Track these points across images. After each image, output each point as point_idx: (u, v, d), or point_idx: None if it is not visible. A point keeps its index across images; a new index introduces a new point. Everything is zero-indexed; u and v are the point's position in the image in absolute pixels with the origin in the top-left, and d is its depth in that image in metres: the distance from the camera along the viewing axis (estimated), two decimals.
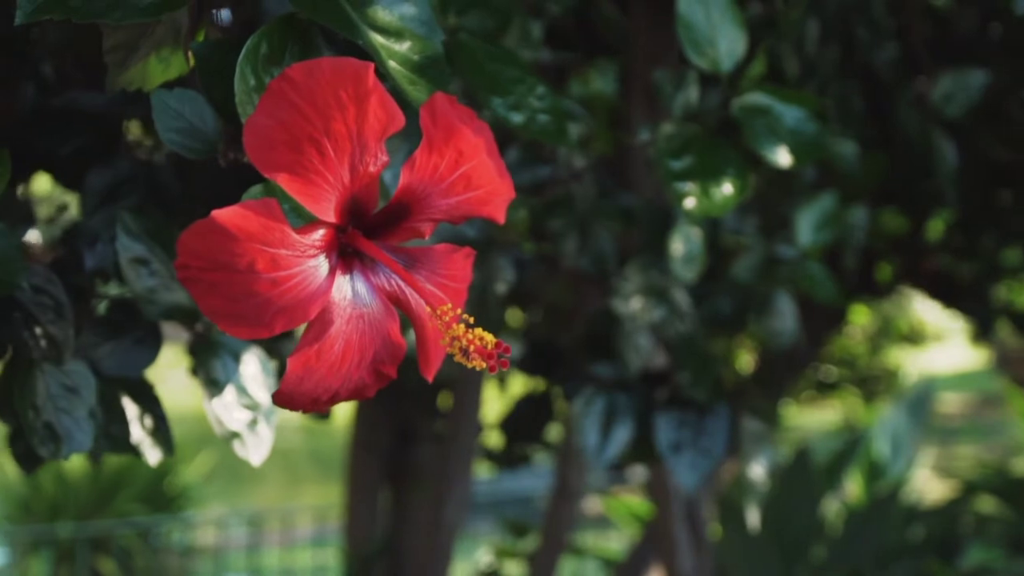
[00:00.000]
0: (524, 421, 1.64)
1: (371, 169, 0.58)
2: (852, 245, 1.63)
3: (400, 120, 0.58)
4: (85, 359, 0.90)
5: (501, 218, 0.64)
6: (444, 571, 2.19)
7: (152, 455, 0.95)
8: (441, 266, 0.64)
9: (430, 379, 0.63)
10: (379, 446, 2.46)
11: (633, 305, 1.34)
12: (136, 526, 4.99)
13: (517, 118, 0.92)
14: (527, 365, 1.57)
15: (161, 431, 0.96)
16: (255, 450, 0.93)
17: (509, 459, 2.05)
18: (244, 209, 0.55)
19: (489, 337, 0.59)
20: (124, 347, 0.93)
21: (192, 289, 0.56)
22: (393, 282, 0.62)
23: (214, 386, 0.93)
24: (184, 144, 0.69)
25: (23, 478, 5.16)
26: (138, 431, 0.94)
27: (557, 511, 2.19)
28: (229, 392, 0.93)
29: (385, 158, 0.59)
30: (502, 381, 2.04)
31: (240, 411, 0.93)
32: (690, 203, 0.97)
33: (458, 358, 0.59)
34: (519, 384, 1.91)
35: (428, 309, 0.62)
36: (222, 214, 0.54)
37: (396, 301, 0.62)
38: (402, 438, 2.45)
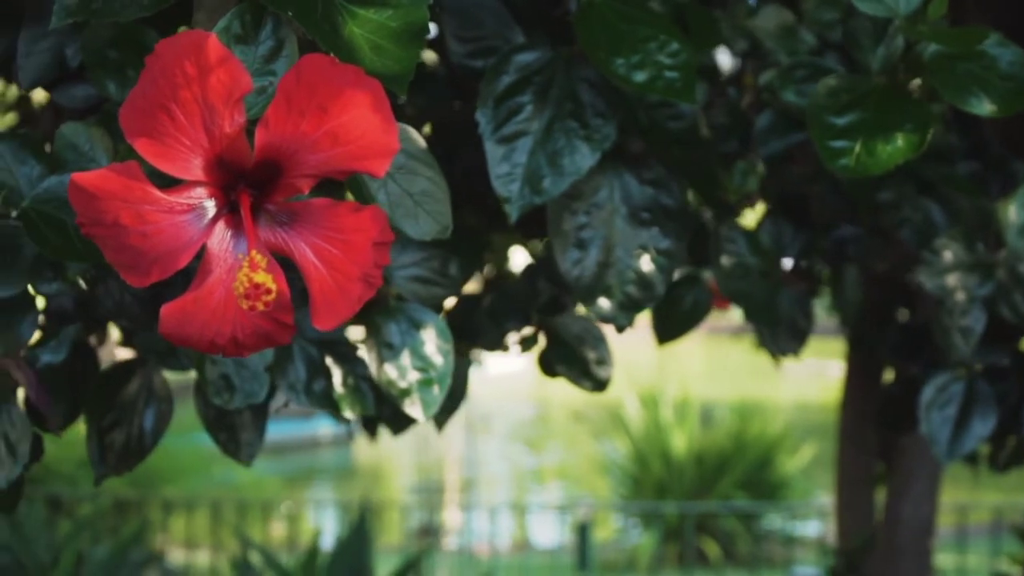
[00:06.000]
0: (893, 408, 1.50)
1: (227, 130, 0.63)
2: None
3: (247, 84, 0.62)
4: None
5: (380, 172, 0.64)
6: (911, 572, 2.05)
7: (350, 411, 1.04)
8: (325, 220, 0.66)
9: (321, 329, 0.66)
10: (867, 439, 2.35)
11: (949, 282, 1.19)
12: (736, 510, 5.14)
13: (639, 77, 0.89)
14: (894, 348, 1.43)
15: (360, 391, 1.04)
16: (424, 409, 0.99)
17: (994, 461, 1.87)
18: (107, 171, 0.63)
19: (262, 280, 0.61)
20: None
21: (95, 242, 0.65)
22: (279, 235, 0.66)
23: (389, 350, 1.00)
24: None
25: (634, 459, 5.54)
26: (340, 389, 1.04)
27: None
28: (405, 356, 1.00)
29: (241, 119, 0.63)
30: None
31: (413, 372, 1.00)
32: (846, 162, 0.87)
33: (241, 302, 0.61)
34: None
35: (317, 261, 0.65)
36: (81, 176, 0.62)
37: (282, 254, 0.66)
38: (890, 430, 2.32)
